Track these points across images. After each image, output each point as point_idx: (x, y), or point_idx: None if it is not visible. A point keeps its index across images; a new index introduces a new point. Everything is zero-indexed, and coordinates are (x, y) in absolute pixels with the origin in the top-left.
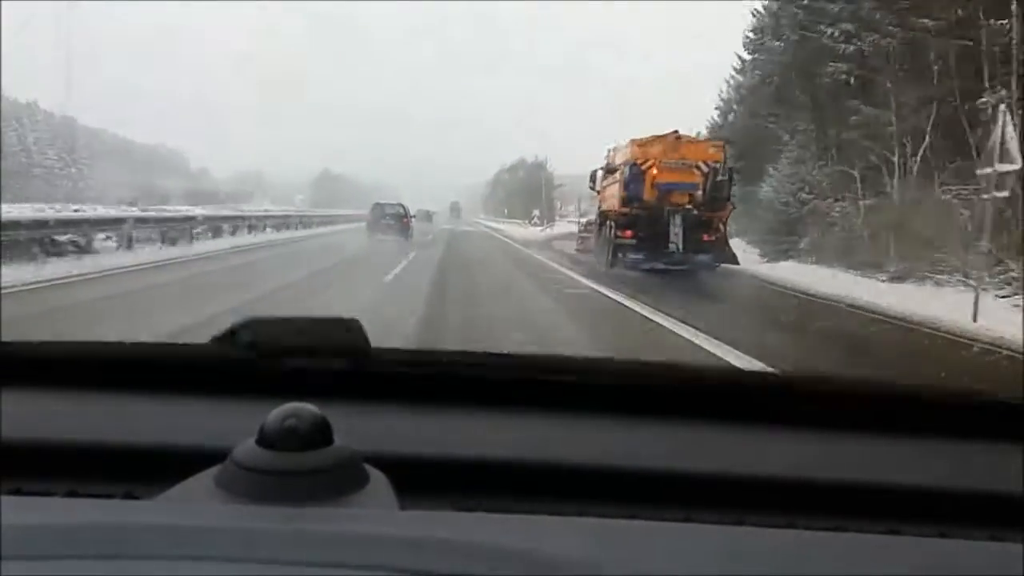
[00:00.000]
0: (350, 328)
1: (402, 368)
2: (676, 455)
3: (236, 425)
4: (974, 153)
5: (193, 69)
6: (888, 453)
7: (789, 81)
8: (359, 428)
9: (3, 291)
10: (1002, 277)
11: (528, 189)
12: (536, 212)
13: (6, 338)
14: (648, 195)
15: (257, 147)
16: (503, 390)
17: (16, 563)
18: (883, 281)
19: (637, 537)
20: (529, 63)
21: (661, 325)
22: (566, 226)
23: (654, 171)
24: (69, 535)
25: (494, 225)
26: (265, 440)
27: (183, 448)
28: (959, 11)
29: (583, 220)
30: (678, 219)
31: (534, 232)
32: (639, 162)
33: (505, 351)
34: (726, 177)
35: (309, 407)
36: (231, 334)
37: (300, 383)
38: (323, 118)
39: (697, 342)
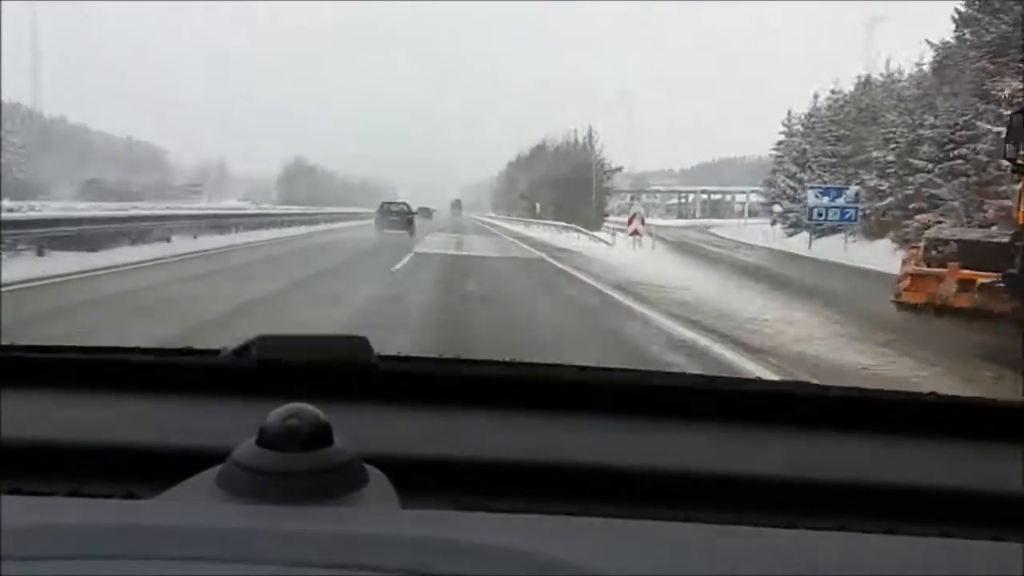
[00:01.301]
0: (358, 345)
1: (403, 369)
2: (676, 455)
3: (237, 425)
4: None
5: (170, 58)
6: (888, 453)
7: None
8: (360, 428)
9: None
10: None
11: (568, 178)
12: (638, 207)
13: None
14: None
15: (231, 139)
16: (504, 391)
17: (16, 563)
18: None
19: (637, 537)
20: (532, 51)
21: None
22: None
23: None
24: (69, 535)
25: (531, 235)
26: (266, 440)
27: (184, 448)
28: None
29: (917, 245)
30: None
31: (656, 262)
32: None
33: (508, 359)
34: None
35: (309, 407)
36: (243, 349)
37: (300, 384)
38: (306, 108)
39: None
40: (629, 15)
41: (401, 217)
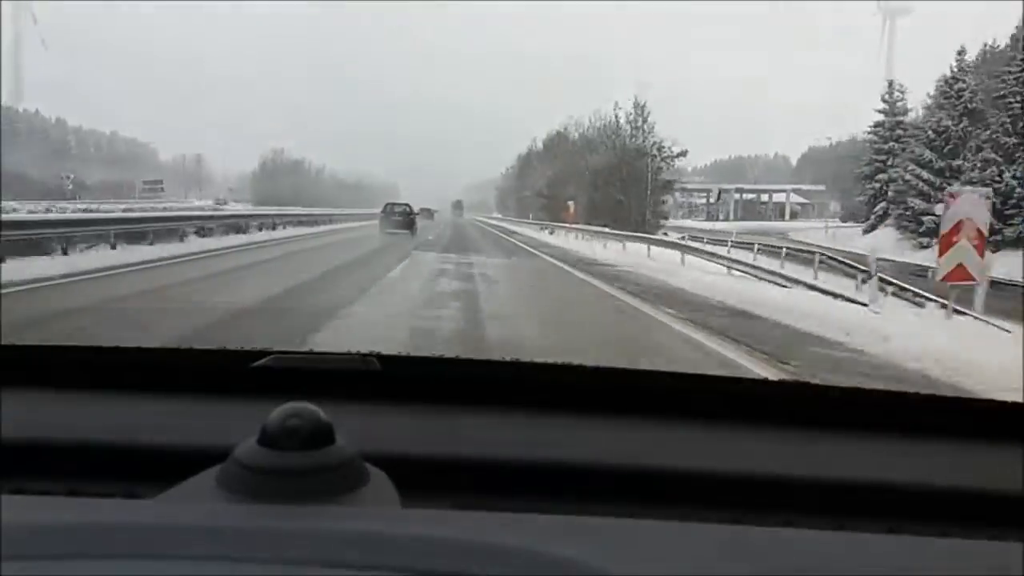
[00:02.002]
0: (370, 362)
1: (404, 369)
2: (676, 455)
3: (238, 425)
4: None
5: (159, 51)
6: (888, 453)
7: None
8: (361, 427)
9: None
10: None
11: (606, 168)
12: (976, 203)
13: None
14: None
15: (219, 134)
16: (504, 391)
17: (16, 563)
18: None
19: (637, 537)
20: (535, 45)
21: None
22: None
23: None
24: (70, 535)
25: (590, 253)
26: (267, 439)
27: (185, 447)
28: None
29: None
30: None
31: None
32: None
33: (508, 359)
34: None
35: (311, 407)
36: (259, 367)
37: (302, 383)
38: (298, 101)
39: None
40: (639, 7)
41: (404, 217)
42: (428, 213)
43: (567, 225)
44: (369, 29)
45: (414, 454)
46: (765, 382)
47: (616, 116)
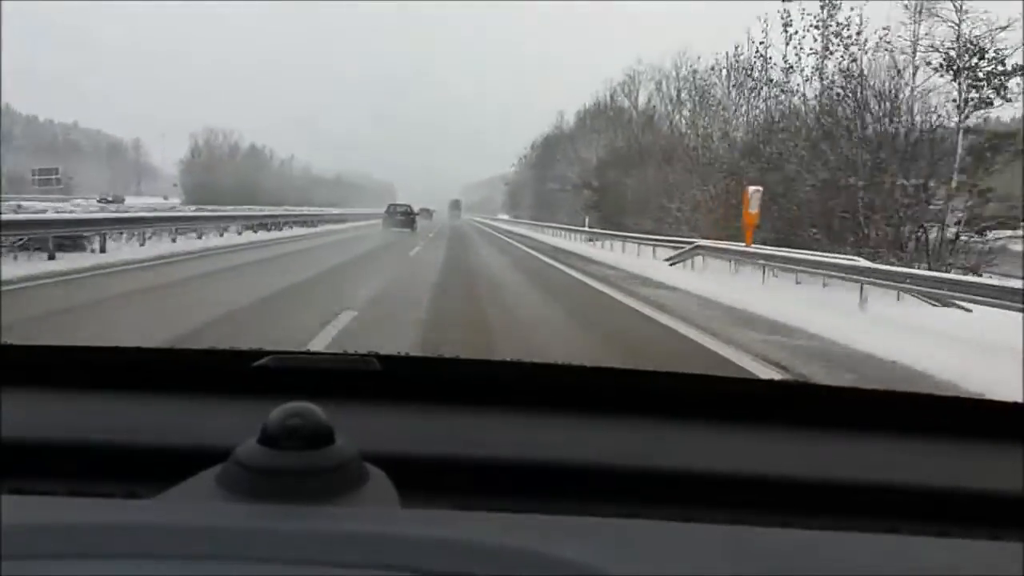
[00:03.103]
0: (368, 362)
1: (403, 368)
2: (676, 455)
3: (238, 424)
4: None
5: (136, 37)
6: (888, 453)
7: None
8: (361, 427)
9: None
10: None
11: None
12: None
13: None
14: None
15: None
16: (504, 390)
17: (16, 563)
18: None
19: (637, 537)
20: (534, 36)
21: None
22: None
23: None
24: (70, 535)
25: None
26: (267, 439)
27: (185, 447)
28: None
29: None
30: None
31: None
32: None
33: (508, 359)
34: None
35: (311, 406)
36: (258, 367)
37: (301, 383)
38: (277, 87)
39: None
40: (637, 6)
41: (405, 217)
42: (427, 213)
43: (740, 248)
44: (367, 27)
45: (414, 454)
46: (765, 382)
47: (785, 19)
